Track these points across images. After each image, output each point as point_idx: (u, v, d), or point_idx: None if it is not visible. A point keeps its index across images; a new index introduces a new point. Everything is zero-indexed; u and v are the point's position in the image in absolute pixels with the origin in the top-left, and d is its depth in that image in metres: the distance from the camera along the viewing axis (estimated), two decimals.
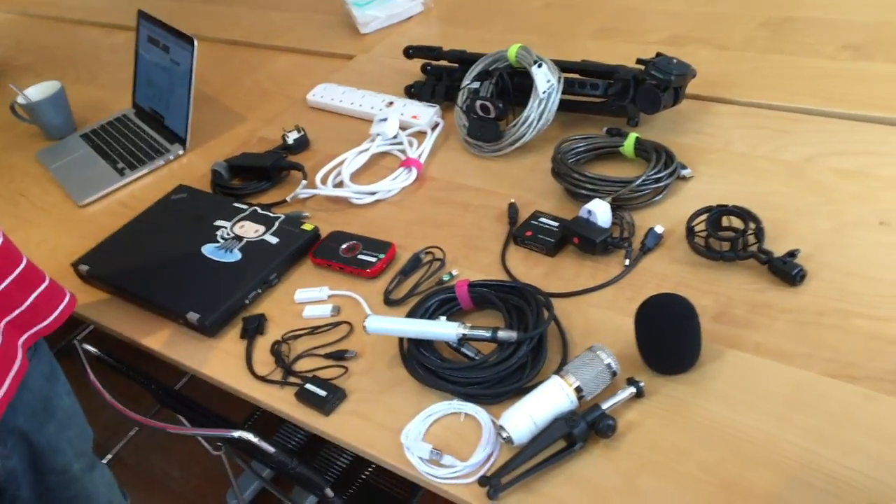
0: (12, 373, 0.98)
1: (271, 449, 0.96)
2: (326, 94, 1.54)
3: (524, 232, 1.09)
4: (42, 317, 1.05)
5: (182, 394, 1.08)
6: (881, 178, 1.04)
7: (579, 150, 1.18)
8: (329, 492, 1.06)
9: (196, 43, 1.47)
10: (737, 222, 1.00)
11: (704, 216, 1.01)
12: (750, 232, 0.98)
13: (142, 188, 1.48)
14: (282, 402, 0.98)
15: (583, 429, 0.81)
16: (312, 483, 1.06)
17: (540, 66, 1.23)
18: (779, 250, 0.95)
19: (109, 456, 2.05)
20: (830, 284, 0.92)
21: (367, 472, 1.29)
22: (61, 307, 1.06)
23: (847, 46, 1.29)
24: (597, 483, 0.79)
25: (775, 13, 1.43)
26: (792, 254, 0.94)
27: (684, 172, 1.12)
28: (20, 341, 1.02)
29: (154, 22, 1.60)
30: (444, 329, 0.93)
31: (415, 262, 1.11)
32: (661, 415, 0.84)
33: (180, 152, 1.54)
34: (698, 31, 1.45)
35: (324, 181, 1.31)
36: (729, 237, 0.98)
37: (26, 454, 1.08)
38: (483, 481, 0.81)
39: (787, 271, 0.93)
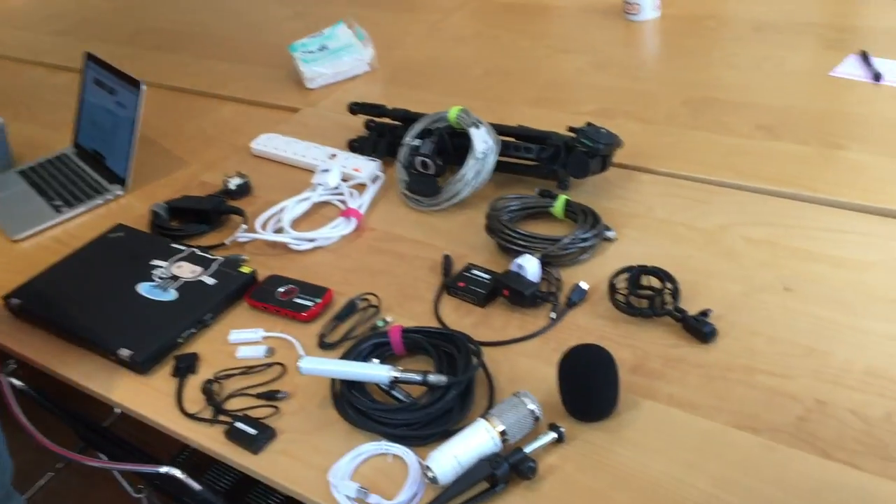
0: None
1: (197, 486, 0.97)
2: (270, 143, 1.57)
3: (457, 283, 1.14)
4: None
5: (107, 430, 1.08)
6: (787, 248, 1.12)
7: (512, 208, 1.24)
8: None
9: (143, 87, 1.49)
10: (655, 282, 1.07)
11: (626, 275, 1.08)
12: (667, 291, 1.05)
13: (78, 226, 1.48)
14: (211, 440, 0.99)
15: (505, 470, 0.85)
16: None
17: (478, 127, 1.30)
18: (692, 309, 1.02)
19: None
20: (738, 343, 0.99)
21: None
22: None
23: (760, 127, 1.40)
24: None
25: (696, 93, 1.54)
26: (704, 313, 1.01)
27: (609, 234, 1.19)
28: None
29: (102, 65, 1.63)
30: (376, 371, 0.96)
31: (350, 308, 1.14)
32: (580, 459, 0.88)
33: (119, 192, 1.55)
34: (626, 105, 1.54)
35: (264, 227, 1.34)
36: (647, 295, 1.04)
37: None
38: None
39: (699, 329, 0.99)
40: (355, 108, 1.55)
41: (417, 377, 0.95)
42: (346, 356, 1.03)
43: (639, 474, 0.85)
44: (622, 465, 0.87)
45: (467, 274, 1.15)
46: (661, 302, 1.04)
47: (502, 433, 0.88)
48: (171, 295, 1.19)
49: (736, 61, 1.63)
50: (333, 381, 1.02)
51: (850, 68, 1.51)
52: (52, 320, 1.19)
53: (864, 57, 1.52)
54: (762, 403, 0.91)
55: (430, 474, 0.86)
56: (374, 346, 1.04)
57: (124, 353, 1.09)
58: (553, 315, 1.07)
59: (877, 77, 1.46)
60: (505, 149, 1.33)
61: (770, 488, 0.82)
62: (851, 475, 0.82)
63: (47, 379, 1.16)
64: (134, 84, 1.52)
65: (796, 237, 1.14)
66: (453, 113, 1.35)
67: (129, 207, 1.51)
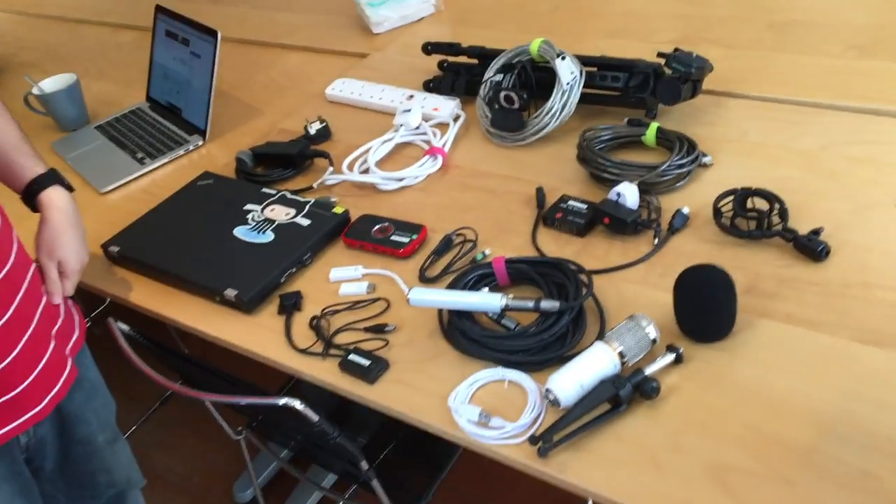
0: (63, 377, 1.03)
1: (315, 417, 0.99)
2: (346, 88, 1.57)
3: (554, 214, 1.13)
4: (73, 325, 1.11)
5: (216, 368, 1.10)
6: (892, 164, 1.10)
7: (604, 138, 1.22)
8: (364, 464, 1.09)
9: (220, 34, 1.50)
10: (761, 204, 1.05)
11: (730, 198, 1.06)
12: (774, 212, 1.03)
13: (163, 176, 1.50)
14: (325, 372, 1.00)
15: (629, 390, 0.85)
16: (347, 455, 1.08)
17: (564, 58, 1.28)
18: (802, 229, 1.00)
19: None
20: (852, 260, 0.97)
21: (391, 447, 1.31)
22: (78, 319, 1.13)
23: (852, 46, 1.35)
24: (643, 441, 0.83)
25: (779, 16, 1.50)
26: (816, 232, 0.99)
27: (705, 160, 1.17)
28: (67, 350, 1.05)
29: (173, 16, 1.63)
30: (487, 300, 0.96)
31: (447, 243, 1.14)
32: (700, 379, 0.88)
33: (200, 143, 1.56)
34: (705, 33, 1.51)
35: (350, 168, 1.34)
36: (754, 217, 1.03)
37: (55, 422, 1.10)
38: (534, 440, 0.84)
39: (812, 248, 0.98)
40: (430, 48, 1.54)
41: (530, 304, 0.95)
42: (450, 288, 1.03)
43: (764, 390, 0.85)
44: (745, 383, 0.86)
45: (563, 205, 1.14)
46: (769, 223, 1.02)
47: (621, 355, 0.88)
48: (269, 237, 1.20)
49: None
50: (441, 312, 1.03)
51: None
52: (152, 265, 1.22)
53: None
54: (884, 318, 0.90)
55: (551, 397, 0.87)
56: (478, 278, 1.04)
57: (230, 293, 1.11)
58: (656, 241, 1.06)
59: None
60: (590, 79, 1.31)
61: None
62: None
63: (141, 324, 1.18)
64: (209, 33, 1.52)
65: None
66: (535, 45, 1.33)
67: (211, 157, 1.52)
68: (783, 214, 1.03)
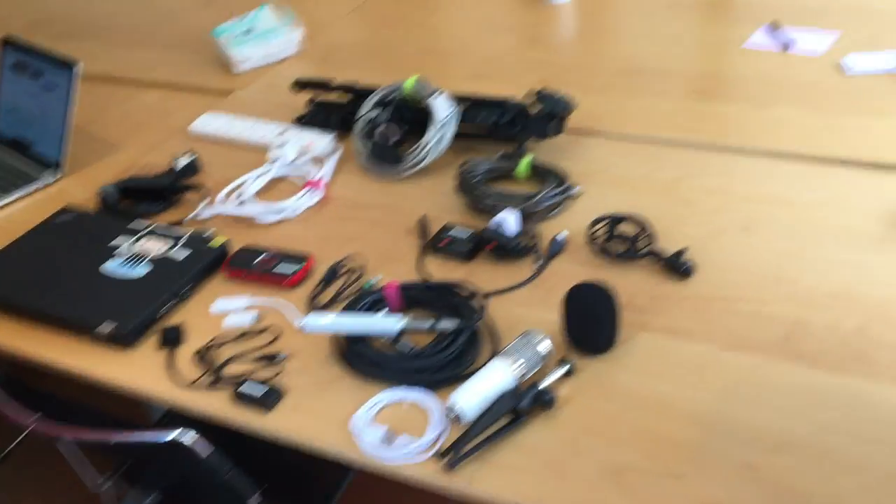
0: None
1: (207, 451, 0.95)
2: (213, 122, 1.55)
3: (438, 241, 1.16)
4: None
5: (83, 404, 1.03)
6: (738, 194, 1.22)
7: (479, 171, 1.28)
8: (255, 499, 1.05)
9: (80, 65, 1.43)
10: (629, 229, 1.13)
11: (602, 223, 1.14)
12: (642, 236, 1.11)
13: (16, 212, 1.40)
14: (214, 406, 0.97)
15: (528, 402, 0.89)
16: (234, 492, 1.04)
17: (439, 95, 1.33)
18: (666, 252, 1.09)
19: None
20: (714, 277, 1.07)
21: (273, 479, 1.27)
22: None
23: (692, 91, 1.50)
24: (544, 449, 0.87)
25: (626, 64, 1.63)
26: (680, 253, 1.08)
27: (574, 190, 1.25)
28: None
29: (24, 49, 1.55)
30: (385, 322, 0.97)
31: (334, 272, 1.15)
32: (591, 389, 0.93)
33: (54, 178, 1.47)
34: (563, 76, 1.61)
35: (225, 201, 1.32)
36: (625, 240, 1.11)
37: None
38: (442, 454, 0.85)
39: (678, 267, 1.06)
40: (301, 85, 1.55)
41: (427, 324, 0.97)
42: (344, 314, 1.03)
43: (649, 396, 0.91)
44: (632, 390, 0.92)
45: (447, 233, 1.18)
46: (638, 246, 1.10)
47: (518, 369, 0.92)
48: (142, 270, 1.15)
49: (657, 35, 1.73)
50: (333, 338, 1.02)
51: (760, 39, 1.64)
52: (12, 303, 1.13)
53: (772, 28, 1.66)
54: (747, 327, 0.99)
55: (455, 411, 0.89)
56: (370, 304, 1.05)
57: (106, 326, 1.05)
58: (538, 264, 1.12)
59: (786, 47, 1.59)
60: (463, 116, 1.36)
61: (771, 395, 0.89)
62: (838, 379, 0.90)
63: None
64: (65, 65, 1.46)
65: (743, 183, 1.23)
66: (410, 82, 1.37)
67: (68, 192, 1.44)
68: (650, 238, 1.11)
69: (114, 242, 1.22)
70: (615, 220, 1.14)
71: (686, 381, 0.93)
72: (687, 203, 1.21)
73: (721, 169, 1.28)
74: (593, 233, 1.13)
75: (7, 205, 1.43)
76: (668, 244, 1.12)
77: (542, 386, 0.91)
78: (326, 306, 1.09)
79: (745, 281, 1.06)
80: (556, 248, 1.13)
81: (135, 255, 1.18)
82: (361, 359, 0.97)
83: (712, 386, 0.92)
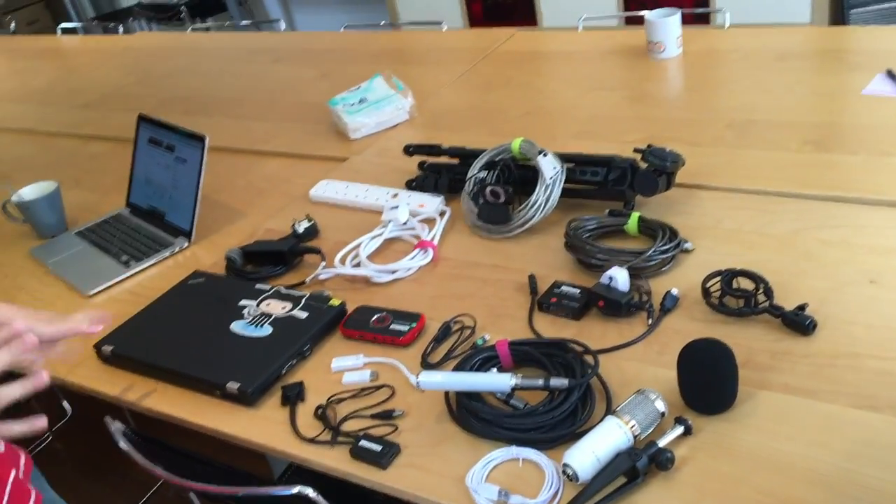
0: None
1: None
2: (329, 188, 1.62)
3: (548, 299, 1.17)
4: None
5: (201, 455, 1.08)
6: (862, 246, 1.17)
7: (588, 227, 1.29)
8: None
9: (207, 139, 1.54)
10: (746, 284, 1.11)
11: (717, 278, 1.12)
12: (760, 291, 1.09)
13: (149, 278, 1.50)
14: (334, 460, 1.00)
15: (644, 462, 0.87)
16: None
17: (545, 155, 1.35)
18: (786, 307, 1.06)
19: None
20: (838, 332, 1.03)
21: None
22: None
23: (807, 142, 1.46)
24: None
25: (737, 116, 1.62)
26: (801, 307, 1.05)
27: (686, 245, 1.24)
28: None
29: (158, 124, 1.67)
30: (497, 379, 0.99)
31: (446, 330, 1.17)
32: (710, 449, 0.91)
33: (185, 244, 1.58)
34: (669, 132, 1.61)
35: (342, 263, 1.37)
36: (742, 295, 1.08)
37: None
38: None
39: (799, 322, 1.03)
40: (412, 150, 1.60)
41: (539, 382, 0.97)
42: (458, 371, 1.05)
43: (771, 457, 0.88)
44: (753, 451, 0.89)
45: (557, 290, 1.19)
46: (756, 301, 1.08)
47: (633, 428, 0.91)
48: (267, 330, 1.21)
49: (767, 87, 1.71)
50: (447, 395, 1.04)
51: (879, 86, 1.59)
52: (148, 363, 1.21)
53: (891, 75, 1.61)
54: (874, 384, 0.94)
55: (569, 472, 0.88)
56: (482, 361, 1.07)
57: (232, 385, 1.11)
58: (650, 321, 1.11)
59: None
60: (570, 174, 1.38)
61: None
62: None
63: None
64: (196, 138, 1.57)
65: (868, 236, 1.19)
66: (516, 144, 1.40)
67: (197, 258, 1.54)
68: (768, 293, 1.08)
69: (241, 302, 1.29)
70: (731, 275, 1.12)
71: (811, 441, 0.89)
72: (806, 256, 1.18)
73: (842, 221, 1.24)
74: (708, 288, 1.11)
75: (143, 270, 1.53)
76: (786, 299, 1.09)
77: (659, 445, 0.89)
78: (439, 363, 1.11)
79: (872, 336, 1.01)
80: (670, 304, 1.12)
81: (260, 315, 1.25)
82: (475, 416, 0.99)
83: (839, 447, 0.88)
